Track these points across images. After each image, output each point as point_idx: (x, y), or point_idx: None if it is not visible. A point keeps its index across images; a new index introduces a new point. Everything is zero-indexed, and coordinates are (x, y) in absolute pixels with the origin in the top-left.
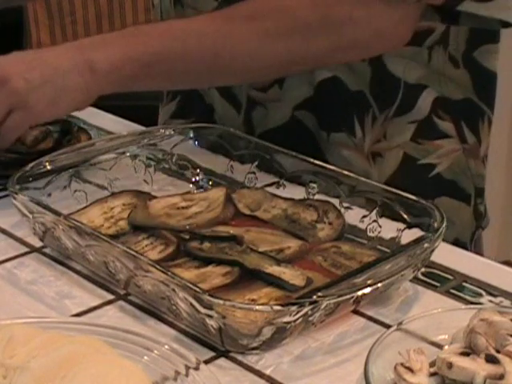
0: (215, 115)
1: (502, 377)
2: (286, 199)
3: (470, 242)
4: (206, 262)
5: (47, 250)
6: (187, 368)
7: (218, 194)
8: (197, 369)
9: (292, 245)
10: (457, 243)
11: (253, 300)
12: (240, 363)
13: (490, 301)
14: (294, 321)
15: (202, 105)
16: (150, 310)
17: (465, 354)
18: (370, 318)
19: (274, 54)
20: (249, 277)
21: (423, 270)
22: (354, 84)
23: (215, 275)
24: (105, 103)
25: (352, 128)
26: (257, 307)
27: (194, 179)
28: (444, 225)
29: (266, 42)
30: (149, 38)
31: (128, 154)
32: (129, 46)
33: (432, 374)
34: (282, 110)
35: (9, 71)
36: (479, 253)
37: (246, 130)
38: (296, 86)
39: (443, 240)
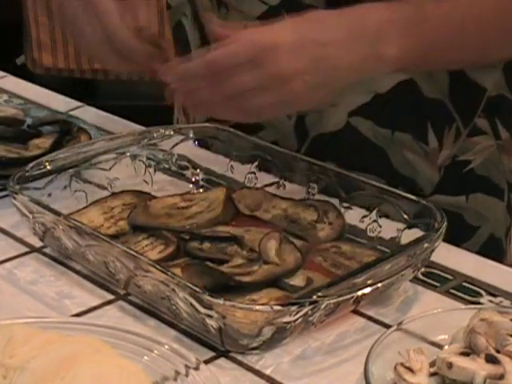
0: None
1: (502, 377)
2: (285, 199)
3: (504, 238)
4: (206, 262)
5: (47, 250)
6: (187, 368)
7: (217, 194)
8: (197, 369)
9: None
10: (492, 239)
11: (253, 300)
12: (240, 363)
13: (490, 301)
14: (294, 321)
15: None
16: (150, 310)
17: (465, 353)
18: (370, 318)
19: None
20: None
21: (423, 269)
22: (430, 91)
23: None
24: (105, 103)
25: (423, 135)
26: (257, 307)
27: (193, 179)
28: (444, 225)
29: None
30: (434, 26)
31: (128, 154)
32: (418, 36)
33: (432, 374)
34: (337, 116)
35: (293, 67)
36: None
37: (297, 135)
38: (352, 91)
39: (444, 240)
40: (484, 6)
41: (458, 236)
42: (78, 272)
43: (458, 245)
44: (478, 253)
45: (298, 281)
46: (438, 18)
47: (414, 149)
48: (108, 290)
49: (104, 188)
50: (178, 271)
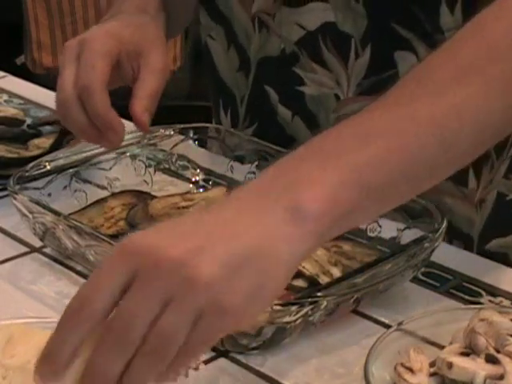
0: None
1: (502, 377)
2: None
3: None
4: None
5: (47, 250)
6: (187, 368)
7: (217, 193)
8: (197, 369)
9: None
10: None
11: None
12: (240, 363)
13: (490, 301)
14: (294, 321)
15: (281, 135)
16: None
17: (465, 354)
18: (370, 318)
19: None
20: None
21: (423, 269)
22: None
23: None
24: None
25: (464, 179)
26: None
27: (193, 179)
28: (444, 225)
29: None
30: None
31: (128, 154)
32: (338, 172)
33: (432, 374)
34: None
35: (185, 251)
36: None
37: None
38: None
39: (443, 240)
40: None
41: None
42: (78, 272)
43: None
44: None
45: (300, 281)
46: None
47: (453, 193)
48: None
49: (104, 188)
50: None
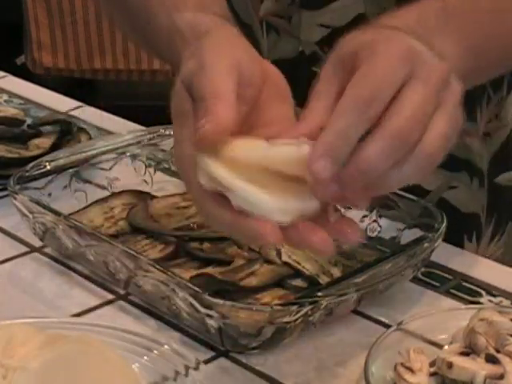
0: None
1: (502, 377)
2: None
3: None
4: (206, 262)
5: (47, 250)
6: (187, 368)
7: None
8: (197, 369)
9: None
10: None
11: (256, 299)
12: (240, 363)
13: (490, 301)
14: (294, 321)
15: None
16: (150, 309)
17: (465, 353)
18: (370, 318)
19: None
20: None
21: (423, 269)
22: None
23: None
24: (105, 103)
25: (474, 115)
26: (257, 307)
27: None
28: (444, 225)
29: None
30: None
31: (128, 154)
32: (460, 33)
33: (432, 374)
34: None
35: (440, 63)
36: None
37: None
38: None
39: (444, 240)
40: None
41: None
42: (78, 272)
43: None
44: None
45: (300, 281)
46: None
47: (469, 131)
48: (108, 289)
49: (104, 188)
50: (178, 271)
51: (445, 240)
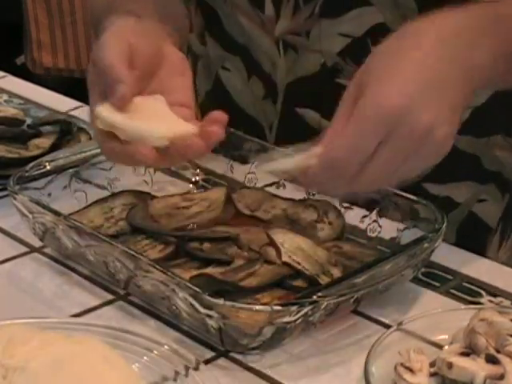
0: None
1: (502, 377)
2: (285, 199)
3: None
4: (206, 262)
5: (47, 250)
6: (187, 368)
7: (218, 193)
8: (197, 369)
9: None
10: None
11: (256, 299)
12: (240, 363)
13: (490, 301)
14: (294, 321)
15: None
16: (150, 310)
17: (465, 353)
18: (370, 318)
19: None
20: None
21: (423, 269)
22: None
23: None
24: None
25: (508, 129)
26: (257, 307)
27: (193, 179)
28: (444, 225)
29: None
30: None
31: None
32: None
33: (432, 374)
34: None
35: (429, 117)
36: None
37: None
38: None
39: (443, 240)
40: None
41: None
42: (77, 272)
43: None
44: None
45: (300, 281)
46: None
47: (501, 144)
48: (108, 290)
49: (104, 188)
50: (178, 271)
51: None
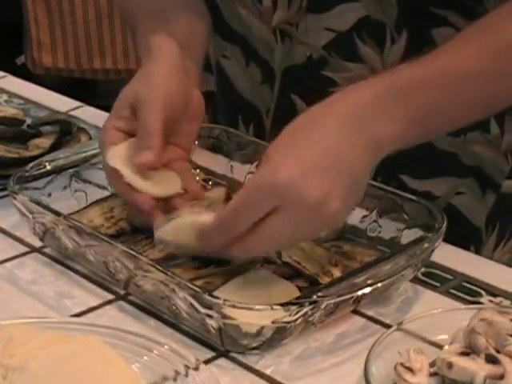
0: None
1: (502, 377)
2: None
3: None
4: (206, 262)
5: (47, 250)
6: (187, 368)
7: (218, 193)
8: (196, 369)
9: None
10: None
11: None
12: (240, 363)
13: (490, 301)
14: (294, 321)
15: None
16: (150, 310)
17: (465, 353)
18: (370, 318)
19: None
20: None
21: (423, 269)
22: None
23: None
24: (105, 103)
25: (486, 125)
26: (256, 307)
27: None
28: (444, 225)
29: None
30: (424, 93)
31: None
32: (407, 109)
33: (432, 374)
34: None
35: (320, 191)
36: None
37: None
38: None
39: (443, 240)
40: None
41: None
42: (78, 272)
43: None
44: None
45: (300, 281)
46: (431, 80)
47: (479, 140)
48: (108, 289)
49: (104, 188)
50: (178, 271)
51: (445, 240)
